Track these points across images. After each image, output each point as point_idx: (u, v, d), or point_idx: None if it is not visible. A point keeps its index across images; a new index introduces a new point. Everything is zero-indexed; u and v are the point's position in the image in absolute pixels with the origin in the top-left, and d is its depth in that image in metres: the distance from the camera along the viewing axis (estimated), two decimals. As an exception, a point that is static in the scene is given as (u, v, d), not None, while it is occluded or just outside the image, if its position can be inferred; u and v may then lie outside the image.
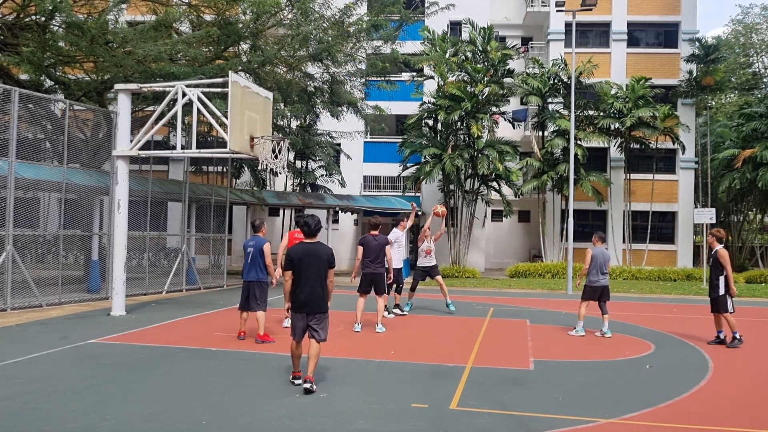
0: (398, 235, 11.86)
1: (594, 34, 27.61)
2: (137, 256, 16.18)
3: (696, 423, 5.55)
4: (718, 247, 9.66)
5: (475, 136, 22.84)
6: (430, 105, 24.24)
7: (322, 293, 6.32)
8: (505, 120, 25.47)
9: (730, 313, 9.47)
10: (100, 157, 14.88)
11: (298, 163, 25.94)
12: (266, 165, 11.50)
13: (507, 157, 23.54)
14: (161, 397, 5.93)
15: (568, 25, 25.94)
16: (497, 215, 27.80)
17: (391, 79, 21.38)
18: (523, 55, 27.60)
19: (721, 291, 9.50)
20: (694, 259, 26.75)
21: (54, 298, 12.51)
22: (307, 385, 6.16)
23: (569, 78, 22.58)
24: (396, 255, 11.54)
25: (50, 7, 12.17)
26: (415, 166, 24.59)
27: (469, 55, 24.23)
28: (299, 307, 6.33)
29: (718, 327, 9.76)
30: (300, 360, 6.57)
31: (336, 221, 25.87)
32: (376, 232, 10.41)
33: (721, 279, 9.51)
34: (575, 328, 10.37)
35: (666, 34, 27.59)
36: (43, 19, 13.71)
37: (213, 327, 10.29)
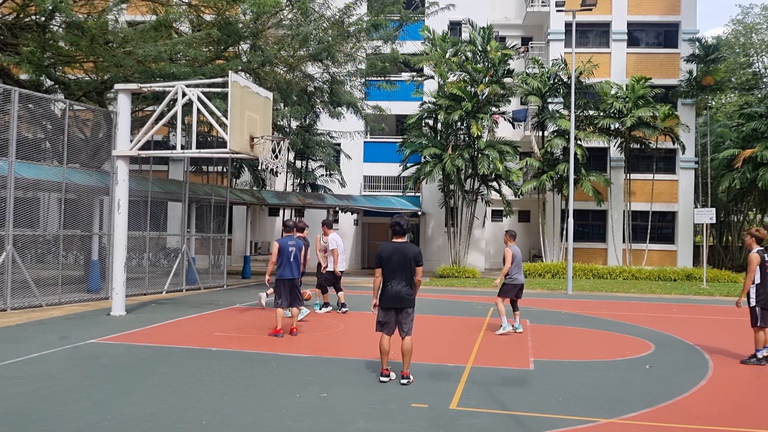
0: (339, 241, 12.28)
1: (594, 34, 27.61)
2: (137, 256, 16.17)
3: (696, 423, 5.55)
4: (754, 250, 8.29)
5: (476, 136, 22.84)
6: (430, 105, 24.25)
7: (409, 289, 6.61)
8: (505, 120, 25.47)
9: (756, 327, 8.24)
10: (100, 157, 14.88)
11: (298, 163, 25.95)
12: (266, 165, 11.51)
13: (507, 157, 23.54)
14: (161, 397, 5.93)
15: (568, 25, 25.95)
16: (497, 215, 27.82)
17: (391, 79, 21.39)
18: (523, 55, 27.60)
19: (752, 302, 8.22)
20: (694, 259, 26.76)
21: (54, 298, 12.51)
22: (404, 381, 6.52)
23: (569, 78, 22.58)
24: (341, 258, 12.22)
25: (50, 7, 12.17)
26: (415, 166, 24.60)
27: (469, 55, 24.23)
28: (387, 303, 6.62)
29: (757, 344, 8.34)
30: (388, 357, 6.77)
31: (336, 221, 25.88)
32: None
33: (752, 288, 8.21)
34: (502, 326, 10.19)
35: (666, 34, 27.59)
36: (43, 19, 13.71)
37: (213, 327, 10.29)
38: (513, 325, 10.27)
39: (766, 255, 8.26)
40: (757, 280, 8.19)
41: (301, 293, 9.69)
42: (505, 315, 10.28)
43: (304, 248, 9.99)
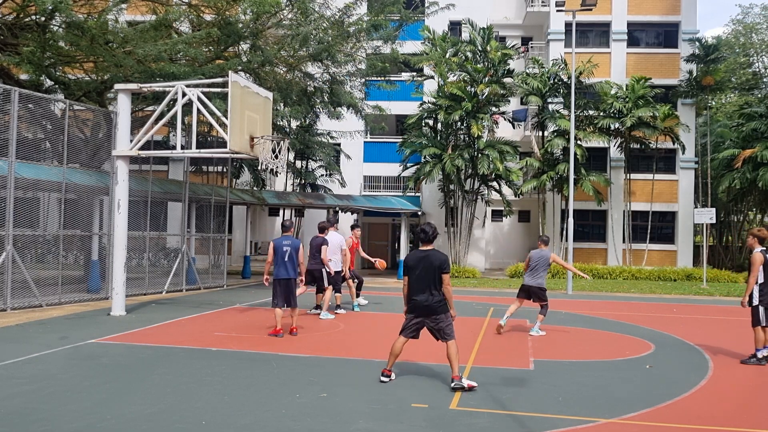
0: (341, 241, 12.13)
1: (594, 34, 27.61)
2: (137, 256, 16.16)
3: (696, 423, 5.55)
4: (756, 250, 8.34)
5: (476, 136, 22.84)
6: (430, 105, 24.24)
7: (436, 297, 6.54)
8: (505, 120, 25.47)
9: (759, 326, 8.20)
10: (100, 157, 14.87)
11: (298, 163, 25.94)
12: (266, 165, 11.50)
13: (507, 157, 23.54)
14: (161, 397, 5.93)
15: (568, 25, 25.94)
16: (497, 215, 27.82)
17: (391, 79, 21.39)
18: (523, 55, 27.61)
19: (755, 301, 8.19)
20: (694, 259, 26.76)
21: (54, 298, 12.51)
22: (454, 384, 6.42)
23: (569, 78, 22.58)
24: (335, 258, 11.95)
25: (50, 7, 12.16)
26: (415, 166, 24.60)
27: (469, 55, 24.24)
28: (413, 310, 6.68)
29: (757, 344, 8.32)
30: (395, 360, 6.81)
31: (336, 221, 25.85)
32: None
33: (755, 288, 8.19)
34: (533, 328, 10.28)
35: (666, 34, 27.60)
36: (43, 19, 13.70)
37: (213, 327, 10.29)
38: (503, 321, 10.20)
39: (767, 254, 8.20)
40: (761, 280, 8.16)
41: (295, 293, 9.59)
42: (511, 315, 10.28)
43: (304, 248, 9.98)
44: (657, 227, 26.56)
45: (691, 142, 26.62)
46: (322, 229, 11.75)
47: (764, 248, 8.32)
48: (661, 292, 18.81)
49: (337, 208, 23.69)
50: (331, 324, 10.89)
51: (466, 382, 6.44)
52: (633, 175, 26.01)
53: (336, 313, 12.03)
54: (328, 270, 11.62)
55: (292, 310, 9.63)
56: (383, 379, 6.71)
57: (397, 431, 5.13)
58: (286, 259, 9.35)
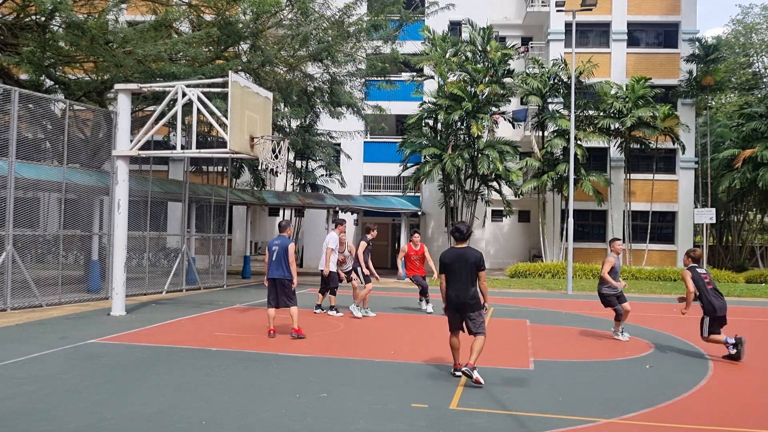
0: (335, 239, 11.82)
1: (594, 34, 27.61)
2: (137, 256, 16.16)
3: (696, 423, 5.55)
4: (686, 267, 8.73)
5: (476, 136, 22.84)
6: (430, 105, 24.24)
7: (472, 293, 6.73)
8: (505, 120, 25.47)
9: (703, 337, 8.60)
10: (100, 157, 14.87)
11: (298, 163, 25.94)
12: (266, 165, 11.49)
13: (507, 157, 23.54)
14: (161, 397, 5.93)
15: (568, 25, 25.95)
16: (497, 215, 27.82)
17: (391, 79, 21.40)
18: (523, 55, 27.61)
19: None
20: (694, 259, 26.70)
21: (54, 298, 12.50)
22: (465, 369, 6.57)
23: (569, 78, 22.58)
24: (332, 258, 11.73)
25: (50, 7, 12.16)
26: (415, 166, 24.60)
27: (469, 55, 24.24)
28: (451, 306, 6.86)
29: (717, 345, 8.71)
30: (459, 353, 7.02)
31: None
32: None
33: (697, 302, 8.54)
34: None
35: (666, 34, 27.60)
36: (43, 19, 13.70)
37: (213, 327, 10.29)
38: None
39: (698, 269, 8.60)
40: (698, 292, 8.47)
41: (293, 292, 9.35)
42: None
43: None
44: (657, 227, 26.56)
45: (691, 142, 26.62)
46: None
47: (694, 265, 8.66)
48: (661, 292, 18.81)
49: (337, 208, 23.70)
50: (331, 324, 10.89)
51: (476, 374, 6.53)
52: (633, 175, 26.01)
53: (331, 314, 11.85)
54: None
55: (289, 311, 9.41)
56: (456, 373, 6.94)
57: (397, 431, 5.13)
58: (273, 258, 9.22)
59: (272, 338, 9.20)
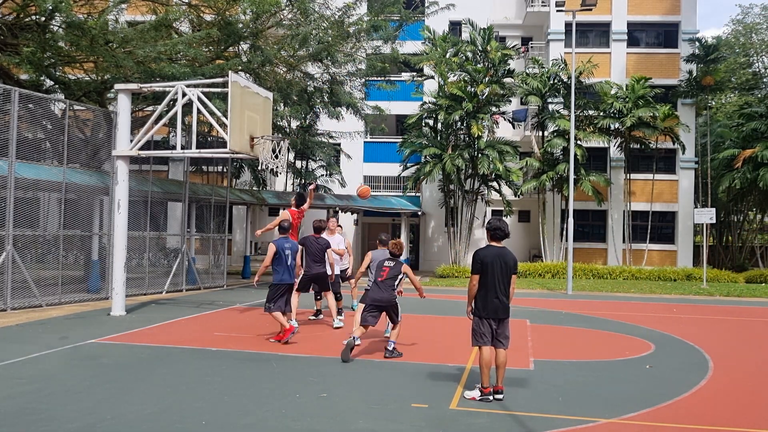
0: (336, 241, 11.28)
1: (594, 34, 27.61)
2: (137, 256, 16.16)
3: (696, 423, 5.55)
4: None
5: (476, 136, 22.85)
6: (430, 105, 24.26)
7: (505, 298, 6.19)
8: (505, 120, 25.48)
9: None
10: (100, 157, 14.86)
11: (298, 163, 25.96)
12: (266, 165, 11.48)
13: (507, 157, 23.55)
14: (161, 397, 5.93)
15: (568, 25, 25.95)
16: (497, 215, 27.77)
17: (391, 79, 21.39)
18: (523, 55, 27.62)
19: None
20: (694, 259, 26.75)
21: (54, 298, 12.50)
22: (499, 396, 6.09)
23: (569, 78, 22.58)
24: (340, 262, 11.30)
25: (50, 7, 12.17)
26: (416, 166, 24.61)
27: (470, 55, 24.25)
28: (484, 312, 6.16)
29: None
30: (488, 371, 6.12)
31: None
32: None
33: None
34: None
35: (666, 34, 27.60)
36: (43, 19, 13.70)
37: (213, 327, 10.29)
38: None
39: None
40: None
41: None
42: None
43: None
44: (657, 227, 26.56)
45: (691, 142, 26.62)
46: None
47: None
48: (661, 292, 18.81)
49: (337, 208, 23.71)
50: (332, 324, 10.87)
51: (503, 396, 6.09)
52: (633, 175, 26.01)
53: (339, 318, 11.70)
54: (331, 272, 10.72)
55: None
56: (489, 398, 6.07)
57: (397, 431, 5.13)
58: (289, 262, 9.09)
59: (292, 337, 8.85)
